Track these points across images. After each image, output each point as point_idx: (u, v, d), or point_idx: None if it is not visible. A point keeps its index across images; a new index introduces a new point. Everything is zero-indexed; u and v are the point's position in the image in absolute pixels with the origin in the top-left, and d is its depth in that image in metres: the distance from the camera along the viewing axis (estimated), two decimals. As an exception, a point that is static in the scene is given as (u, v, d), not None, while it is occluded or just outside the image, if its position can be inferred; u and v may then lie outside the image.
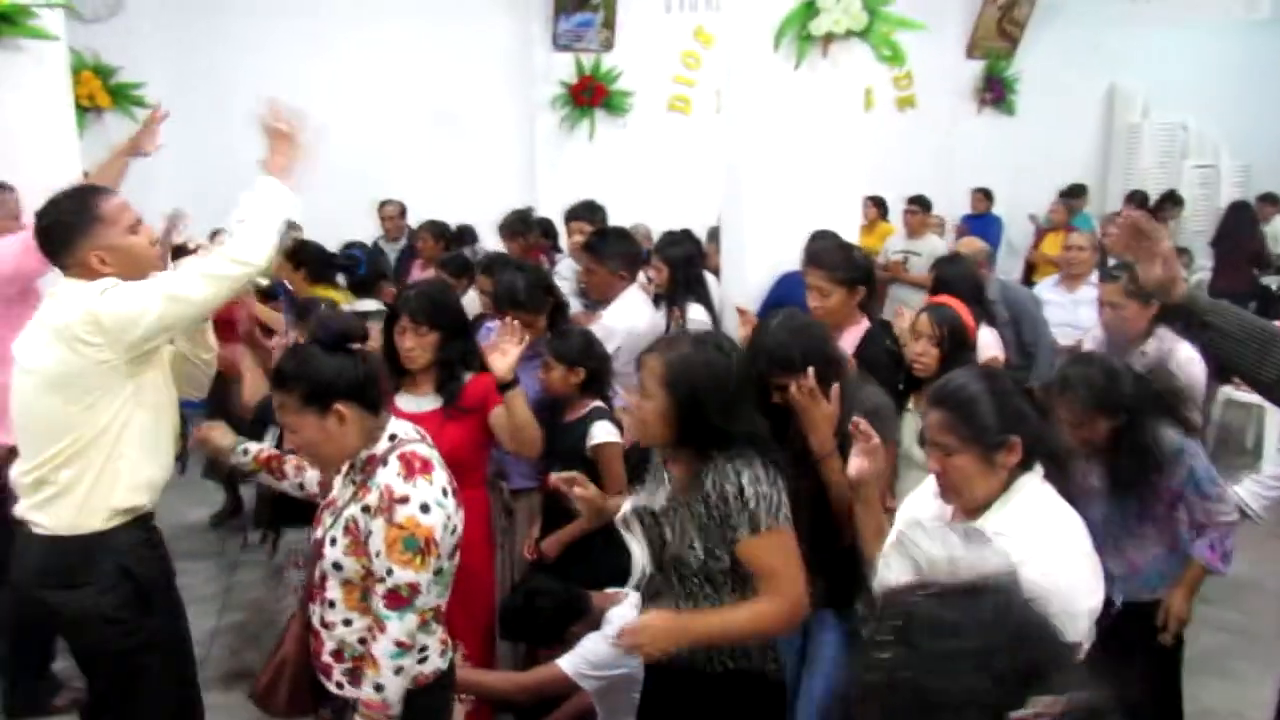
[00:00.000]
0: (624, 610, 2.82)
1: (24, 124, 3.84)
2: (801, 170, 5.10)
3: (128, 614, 2.38)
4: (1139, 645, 2.68)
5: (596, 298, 3.83)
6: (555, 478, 2.52)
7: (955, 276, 3.82)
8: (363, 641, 2.03)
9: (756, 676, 2.18)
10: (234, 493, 5.42)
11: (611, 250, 3.64)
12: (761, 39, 4.95)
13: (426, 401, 2.90)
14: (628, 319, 3.57)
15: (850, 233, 5.41)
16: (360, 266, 6.10)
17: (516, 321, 2.89)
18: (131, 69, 7.43)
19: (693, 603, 2.15)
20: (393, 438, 2.08)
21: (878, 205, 8.11)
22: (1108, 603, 2.58)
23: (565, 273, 4.83)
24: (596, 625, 2.84)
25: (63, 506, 2.34)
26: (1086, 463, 2.67)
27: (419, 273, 6.23)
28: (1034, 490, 1.88)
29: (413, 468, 2.00)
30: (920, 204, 7.28)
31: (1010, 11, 9.91)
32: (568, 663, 2.76)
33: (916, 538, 1.30)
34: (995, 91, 10.12)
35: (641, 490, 2.30)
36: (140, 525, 2.44)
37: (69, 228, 2.36)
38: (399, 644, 1.96)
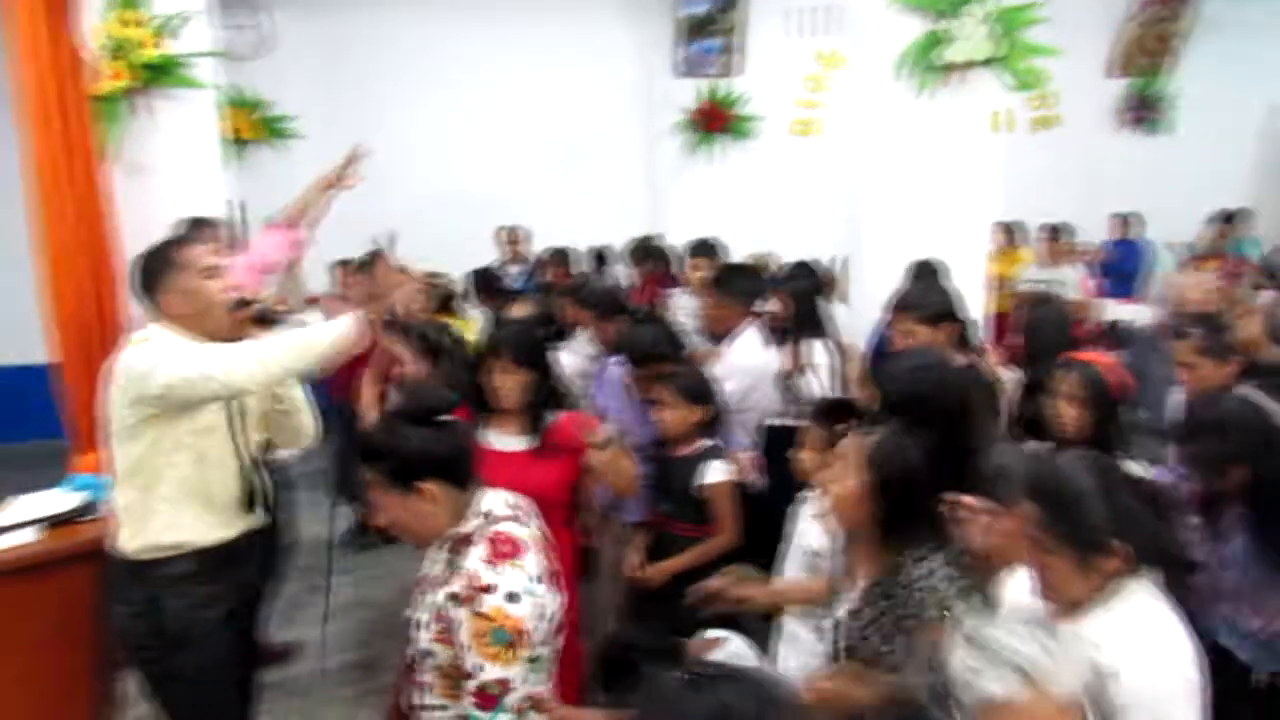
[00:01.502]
0: (735, 648, 2.78)
1: (175, 165, 4.08)
2: (924, 199, 4.99)
3: (153, 642, 2.45)
4: None
5: (718, 333, 3.80)
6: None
7: (1042, 320, 3.65)
8: None
9: None
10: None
11: (735, 286, 3.63)
12: (883, 68, 4.87)
13: (514, 441, 2.89)
14: (750, 357, 3.55)
15: (977, 261, 5.25)
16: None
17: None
18: (282, 103, 7.89)
19: None
20: (486, 514, 1.95)
21: (1010, 232, 7.83)
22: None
23: (682, 310, 4.84)
24: None
25: (118, 529, 2.46)
26: (1227, 510, 2.50)
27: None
28: (1141, 600, 1.70)
29: (500, 552, 1.86)
30: (1057, 231, 6.97)
31: (1158, 26, 9.43)
32: None
33: (1003, 642, 1.26)
34: (1142, 110, 9.64)
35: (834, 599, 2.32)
36: (190, 559, 2.47)
37: (148, 272, 2.50)
38: None
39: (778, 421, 4.04)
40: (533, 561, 1.89)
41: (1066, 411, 2.78)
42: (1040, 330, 3.59)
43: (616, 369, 3.39)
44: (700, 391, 3.20)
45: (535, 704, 1.89)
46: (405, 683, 2.04)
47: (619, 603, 3.48)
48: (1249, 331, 2.59)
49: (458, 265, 7.13)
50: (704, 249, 4.94)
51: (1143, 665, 1.60)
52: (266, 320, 2.50)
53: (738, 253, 6.80)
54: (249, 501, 2.58)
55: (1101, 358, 2.91)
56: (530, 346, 2.93)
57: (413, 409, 1.95)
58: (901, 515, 2.11)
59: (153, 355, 2.33)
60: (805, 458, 2.93)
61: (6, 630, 2.56)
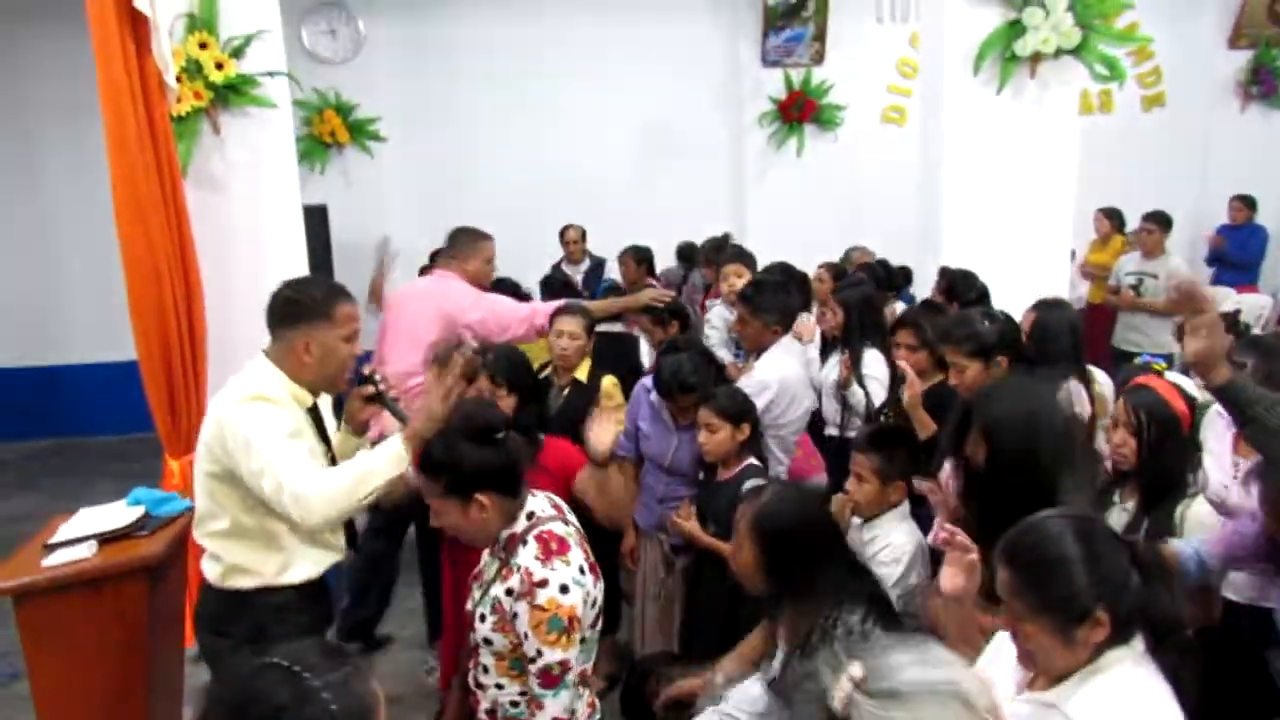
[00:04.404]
0: (744, 685, 2.75)
1: (251, 182, 4.20)
2: (1006, 195, 4.79)
3: None
4: None
5: (749, 349, 3.71)
6: None
7: (1051, 324, 3.40)
8: (514, 704, 2.12)
9: None
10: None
11: (766, 303, 3.51)
12: (960, 60, 4.67)
13: None
14: (779, 370, 3.44)
15: (1060, 257, 5.02)
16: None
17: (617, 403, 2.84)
18: (368, 105, 8.06)
19: None
20: (530, 516, 2.15)
21: (1111, 218, 7.42)
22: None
23: (716, 321, 4.69)
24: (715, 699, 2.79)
25: (213, 565, 2.48)
26: None
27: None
28: (1125, 672, 1.55)
29: (549, 549, 2.07)
30: (1158, 221, 6.54)
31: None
32: None
33: (917, 679, 1.23)
34: (1265, 84, 8.97)
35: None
36: (290, 590, 2.45)
37: (301, 308, 2.42)
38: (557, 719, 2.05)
39: (835, 432, 3.97)
40: (577, 555, 2.10)
41: (1121, 439, 2.61)
42: (1048, 336, 3.37)
43: (651, 393, 3.35)
44: (742, 410, 3.14)
45: (582, 678, 2.13)
46: (469, 664, 2.24)
47: (664, 624, 3.46)
48: (1209, 345, 2.24)
49: (541, 265, 7.21)
50: (738, 256, 4.77)
51: None
52: (378, 401, 2.52)
53: (824, 249, 6.66)
54: (348, 535, 2.64)
55: (1162, 383, 2.71)
56: (516, 369, 2.97)
57: (469, 427, 2.12)
58: (793, 581, 2.12)
59: (246, 434, 2.29)
60: (854, 489, 2.86)
61: (61, 643, 2.66)
